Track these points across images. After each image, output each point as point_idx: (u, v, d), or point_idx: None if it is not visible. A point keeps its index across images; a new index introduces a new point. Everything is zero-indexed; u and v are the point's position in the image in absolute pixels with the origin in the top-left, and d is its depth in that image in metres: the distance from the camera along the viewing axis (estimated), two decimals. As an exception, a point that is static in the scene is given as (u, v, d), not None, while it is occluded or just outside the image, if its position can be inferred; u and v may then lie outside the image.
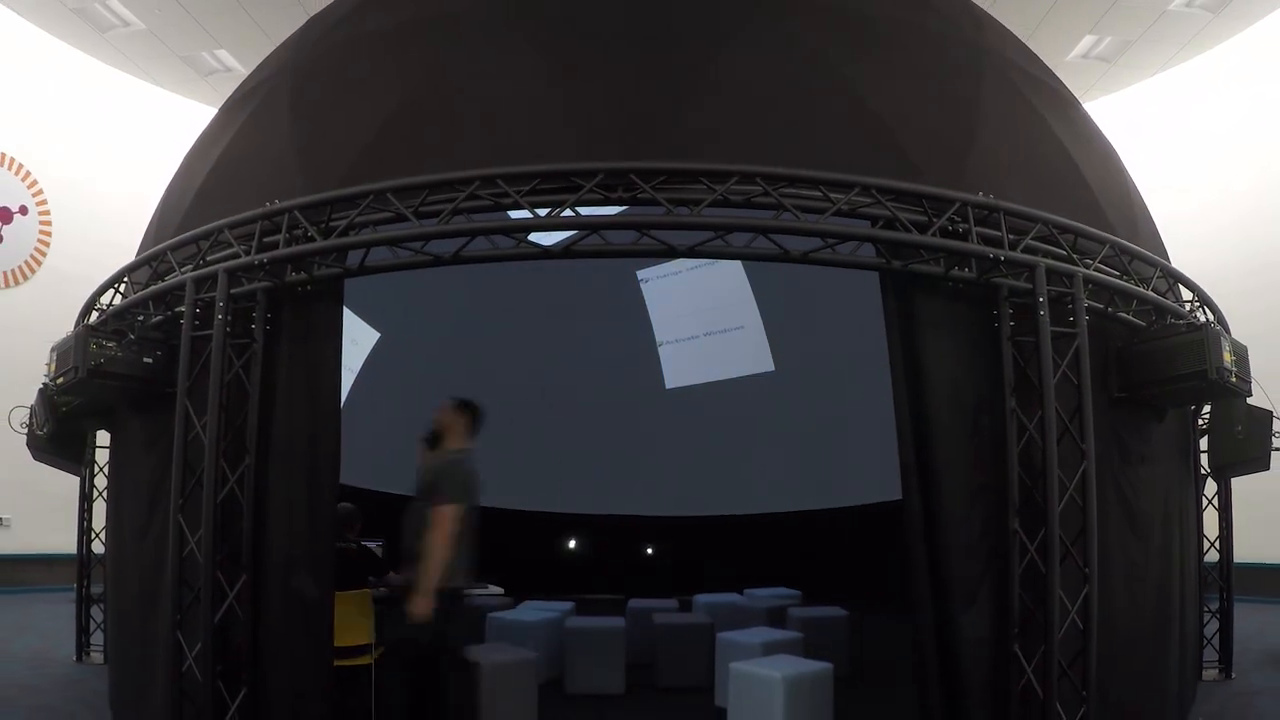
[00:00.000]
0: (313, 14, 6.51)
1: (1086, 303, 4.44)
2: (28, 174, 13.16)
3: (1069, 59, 13.01)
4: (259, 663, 4.33)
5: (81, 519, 7.83)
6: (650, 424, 10.63)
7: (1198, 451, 6.42)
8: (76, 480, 7.80)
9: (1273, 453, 5.89)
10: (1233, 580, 7.12)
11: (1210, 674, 6.80)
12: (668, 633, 7.24)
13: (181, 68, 13.95)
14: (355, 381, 9.66)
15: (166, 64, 13.85)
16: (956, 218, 4.35)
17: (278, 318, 4.54)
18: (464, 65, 4.89)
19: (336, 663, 4.82)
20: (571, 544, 10.88)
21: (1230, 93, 13.06)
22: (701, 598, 8.69)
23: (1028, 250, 4.39)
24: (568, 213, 4.26)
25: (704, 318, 10.44)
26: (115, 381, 4.65)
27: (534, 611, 7.48)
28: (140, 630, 4.88)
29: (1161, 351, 4.70)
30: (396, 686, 5.08)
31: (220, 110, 6.38)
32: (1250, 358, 5.06)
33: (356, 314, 9.04)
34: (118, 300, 5.45)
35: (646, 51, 4.76)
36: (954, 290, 4.45)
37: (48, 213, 13.37)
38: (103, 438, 6.87)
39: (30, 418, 6.46)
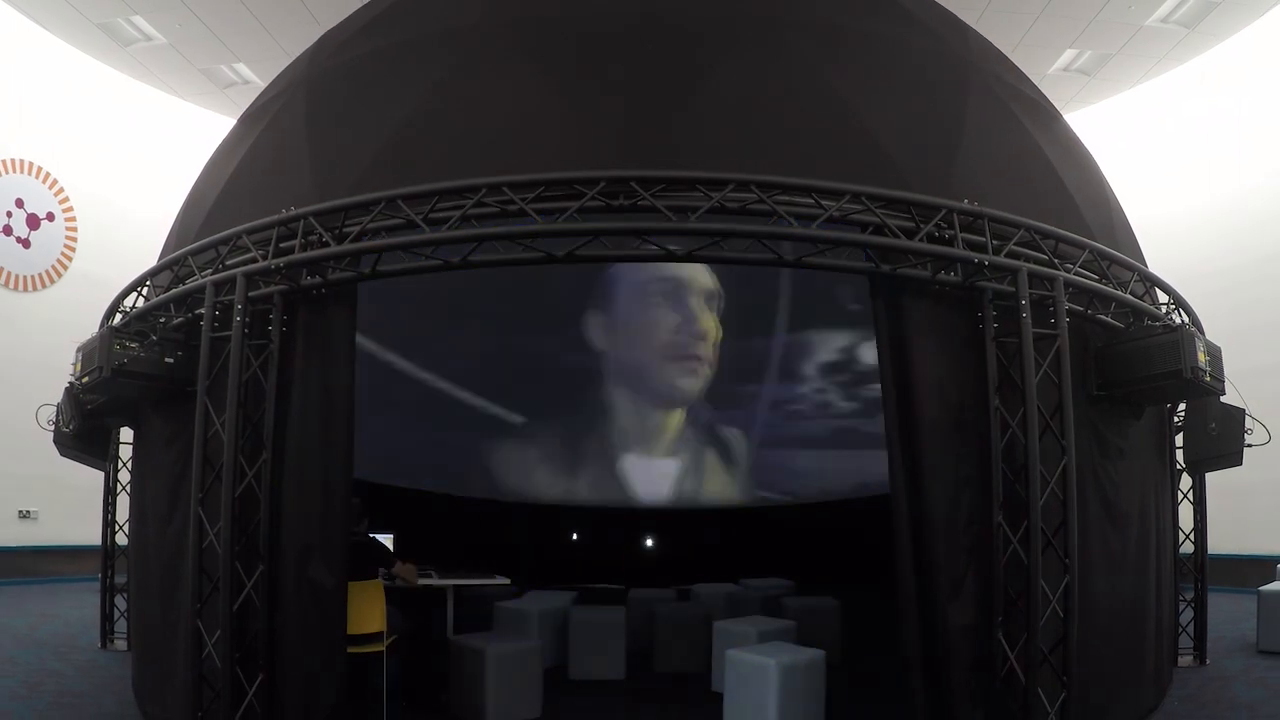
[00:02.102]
0: (327, 30, 6.51)
1: (1067, 305, 4.44)
2: (54, 182, 13.16)
3: (1050, 72, 13.01)
4: (275, 649, 4.33)
5: (106, 512, 7.84)
6: (651, 421, 10.63)
7: (1173, 447, 6.42)
8: (101, 475, 7.80)
9: (1245, 449, 5.90)
10: (1206, 571, 7.12)
11: (1185, 660, 6.80)
12: (667, 621, 7.25)
13: (201, 80, 13.95)
14: (366, 377, 9.63)
15: (187, 77, 13.85)
16: (943, 224, 4.36)
17: (293, 319, 4.54)
18: (471, 78, 4.90)
19: (351, 649, 4.83)
20: (574, 536, 10.85)
21: (1205, 103, 13.08)
22: (699, 587, 8.70)
23: (1010, 255, 4.39)
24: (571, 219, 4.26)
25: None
26: (138, 380, 4.64)
27: (539, 601, 7.49)
28: (162, 618, 4.88)
29: (1139, 352, 4.69)
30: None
31: (238, 121, 6.38)
32: (1224, 357, 5.06)
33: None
34: (140, 303, 5.45)
35: (646, 65, 4.76)
36: (940, 293, 4.45)
37: (73, 219, 13.37)
38: (126, 434, 6.88)
39: (57, 415, 6.46)
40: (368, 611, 5.26)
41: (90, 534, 8.48)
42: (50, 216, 13.13)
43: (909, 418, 4.40)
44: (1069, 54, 12.86)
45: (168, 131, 14.43)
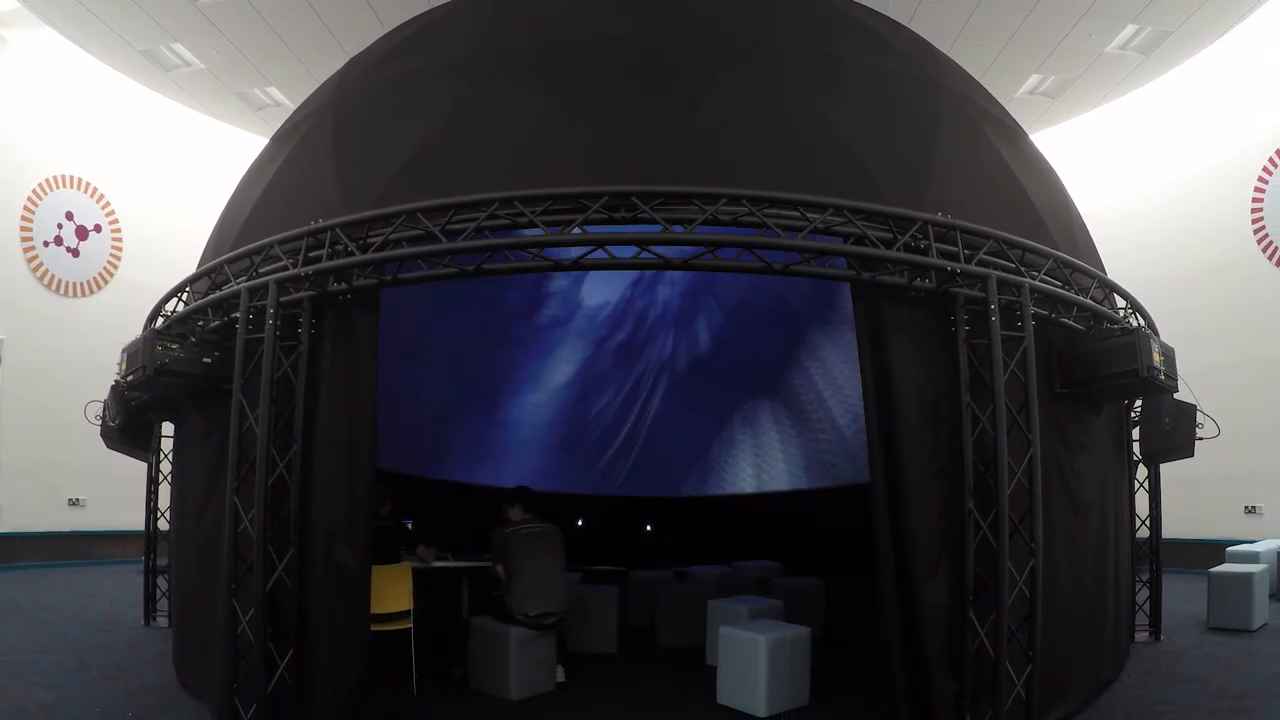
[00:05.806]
0: (353, 56, 6.51)
1: (1032, 309, 4.44)
2: (101, 196, 13.17)
3: (1017, 95, 13.01)
4: (304, 626, 4.33)
5: (148, 500, 7.84)
6: (650, 417, 10.64)
7: (1130, 440, 6.43)
8: (144, 466, 7.80)
9: (1196, 441, 5.90)
10: (1161, 554, 7.12)
11: (1142, 636, 6.80)
12: (666, 600, 7.26)
13: (236, 103, 13.94)
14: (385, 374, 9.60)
15: (223, 100, 13.85)
16: (918, 235, 4.36)
17: (321, 323, 4.53)
18: (485, 101, 4.89)
19: (379, 628, 4.82)
20: (580, 522, 10.86)
21: (1160, 124, 13.08)
22: (695, 569, 8.70)
23: (981, 264, 4.40)
24: (576, 230, 4.26)
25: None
26: (178, 379, 4.64)
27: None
28: (200, 598, 4.89)
29: (1098, 352, 4.70)
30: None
31: (270, 141, 6.38)
32: (1177, 358, 5.06)
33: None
34: (181, 307, 5.45)
35: (646, 88, 4.76)
36: (916, 299, 4.45)
37: (119, 230, 13.38)
38: (167, 428, 6.88)
39: (104, 411, 6.46)
40: (395, 591, 5.27)
41: (134, 520, 8.47)
42: (97, 228, 13.13)
43: (888, 413, 4.40)
44: (1034, 78, 12.85)
45: (204, 150, 14.43)
